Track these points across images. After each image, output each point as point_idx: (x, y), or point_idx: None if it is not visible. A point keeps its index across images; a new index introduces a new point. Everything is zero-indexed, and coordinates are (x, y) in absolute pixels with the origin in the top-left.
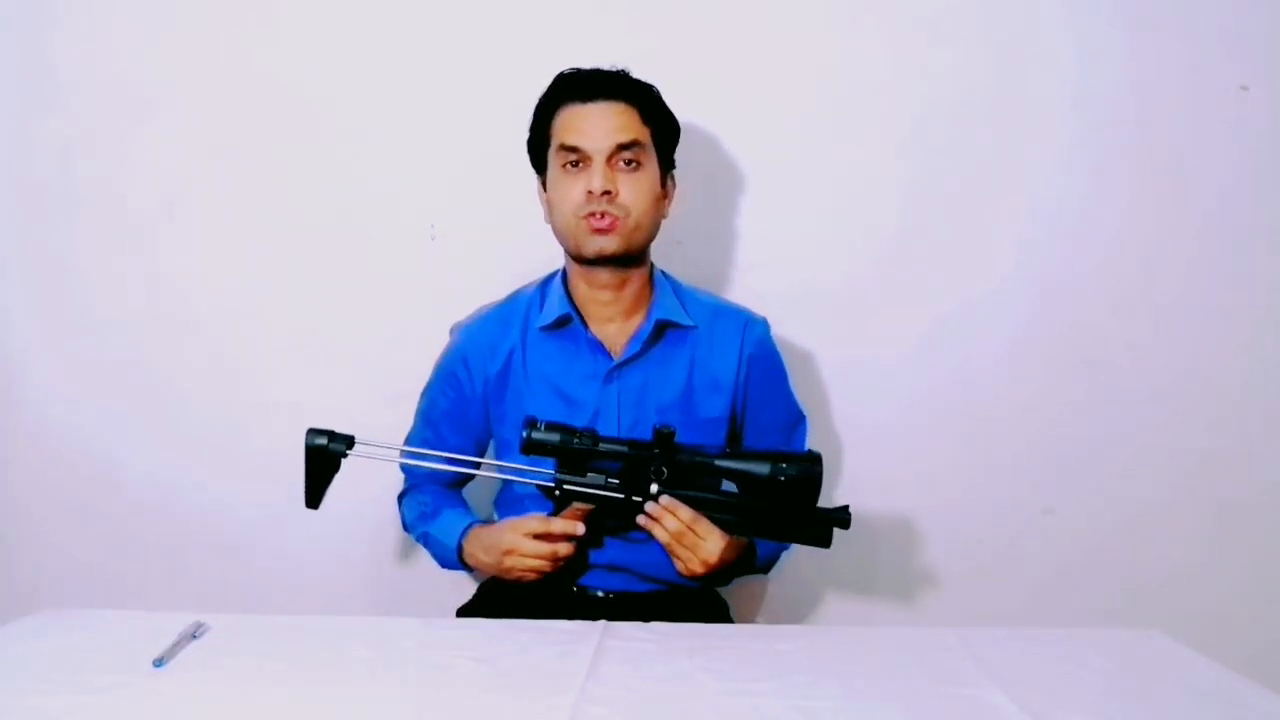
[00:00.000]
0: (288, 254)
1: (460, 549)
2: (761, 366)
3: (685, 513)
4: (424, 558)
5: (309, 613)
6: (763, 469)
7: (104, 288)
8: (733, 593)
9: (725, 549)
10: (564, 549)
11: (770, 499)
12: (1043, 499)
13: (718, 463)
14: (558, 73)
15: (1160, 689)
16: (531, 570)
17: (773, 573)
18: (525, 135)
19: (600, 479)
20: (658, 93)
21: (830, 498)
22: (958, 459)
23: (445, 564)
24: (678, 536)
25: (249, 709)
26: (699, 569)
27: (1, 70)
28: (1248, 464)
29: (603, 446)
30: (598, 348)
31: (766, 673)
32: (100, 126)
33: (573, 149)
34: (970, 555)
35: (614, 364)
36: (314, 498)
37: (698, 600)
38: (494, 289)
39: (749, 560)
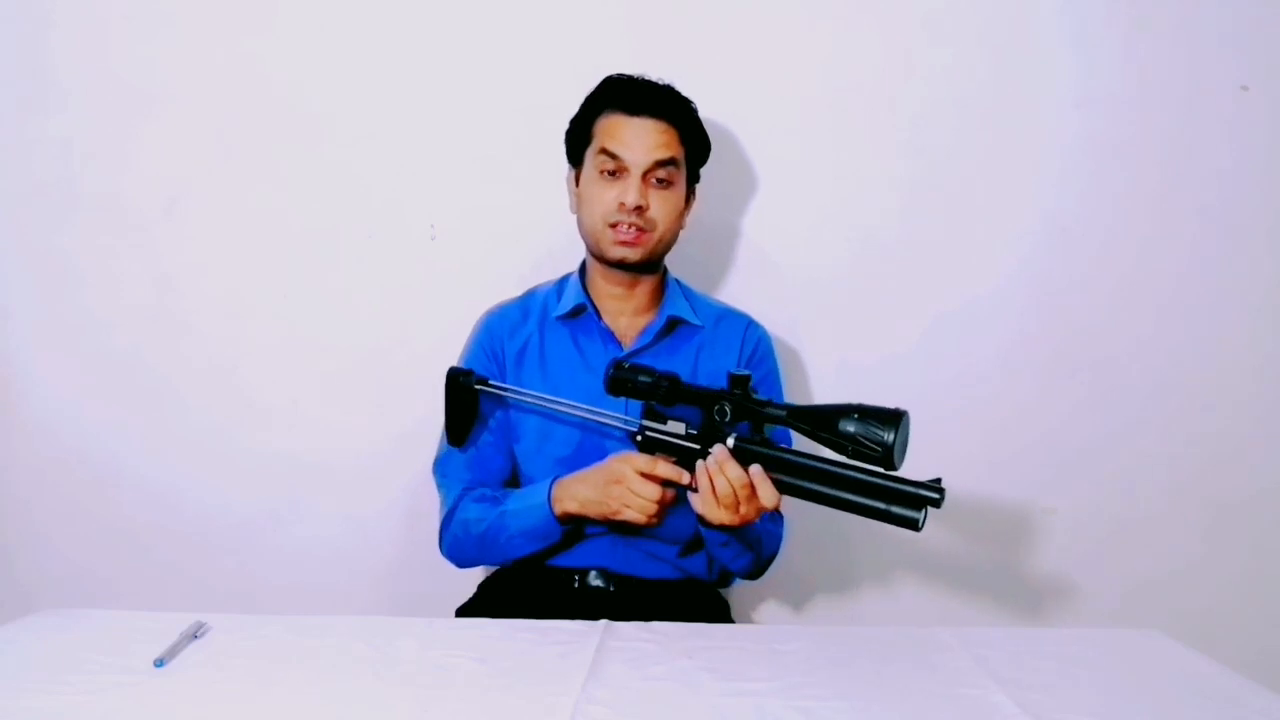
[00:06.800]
0: (287, 254)
1: (550, 499)
2: (761, 368)
3: (734, 470)
4: (423, 557)
5: (309, 613)
6: (848, 427)
7: (104, 288)
8: (733, 593)
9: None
10: (667, 494)
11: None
12: (1043, 499)
13: (790, 416)
14: (609, 76)
15: (1160, 689)
16: (637, 507)
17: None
18: (525, 136)
19: (681, 428)
20: (695, 111)
21: None
22: (958, 459)
23: (531, 535)
24: (722, 499)
25: (249, 709)
26: (753, 515)
27: (1, 70)
28: (1247, 464)
29: (683, 388)
30: (609, 337)
31: (766, 673)
32: (100, 126)
33: (613, 156)
34: (970, 555)
35: (624, 353)
36: (460, 434)
37: (698, 597)
38: (494, 289)
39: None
